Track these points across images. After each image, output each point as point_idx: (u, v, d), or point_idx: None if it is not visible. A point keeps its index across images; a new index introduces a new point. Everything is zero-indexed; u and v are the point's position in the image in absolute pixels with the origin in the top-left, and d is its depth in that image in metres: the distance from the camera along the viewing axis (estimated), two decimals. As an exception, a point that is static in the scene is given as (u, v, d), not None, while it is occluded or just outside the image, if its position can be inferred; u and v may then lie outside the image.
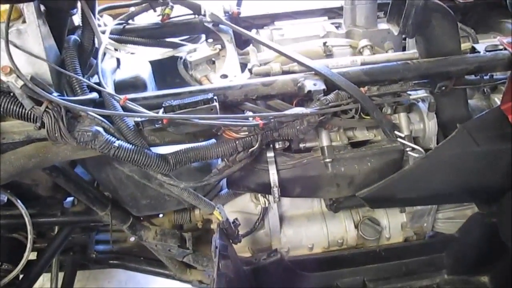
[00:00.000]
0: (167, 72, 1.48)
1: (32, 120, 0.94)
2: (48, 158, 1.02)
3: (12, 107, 0.93)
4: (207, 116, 0.97)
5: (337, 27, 1.36)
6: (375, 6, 1.33)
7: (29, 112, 0.93)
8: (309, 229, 1.42)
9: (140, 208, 1.34)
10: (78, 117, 0.99)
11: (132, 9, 1.36)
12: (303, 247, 1.43)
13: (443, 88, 1.18)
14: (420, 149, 1.16)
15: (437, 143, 1.23)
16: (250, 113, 1.06)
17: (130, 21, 1.36)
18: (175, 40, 1.38)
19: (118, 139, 0.99)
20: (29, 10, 0.95)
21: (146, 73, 1.34)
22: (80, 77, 1.01)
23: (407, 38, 1.35)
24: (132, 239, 1.78)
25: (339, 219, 1.43)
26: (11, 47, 0.93)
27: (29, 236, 1.21)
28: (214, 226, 1.44)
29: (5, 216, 1.36)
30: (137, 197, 1.30)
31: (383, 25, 1.34)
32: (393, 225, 1.44)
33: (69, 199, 1.42)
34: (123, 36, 1.32)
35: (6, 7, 0.93)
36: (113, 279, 2.22)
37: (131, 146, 1.00)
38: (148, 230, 1.45)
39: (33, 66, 0.98)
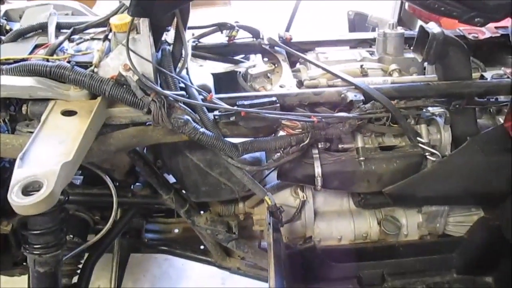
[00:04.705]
0: (223, 84, 1.75)
1: (140, 107, 1.22)
2: (145, 139, 1.28)
3: (126, 95, 1.20)
4: (275, 112, 1.24)
5: (371, 54, 1.65)
6: (403, 38, 1.63)
7: (139, 100, 1.20)
8: (339, 223, 1.65)
9: (199, 194, 1.58)
10: (172, 108, 1.26)
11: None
12: (333, 238, 1.66)
13: (457, 106, 1.45)
14: (438, 153, 1.42)
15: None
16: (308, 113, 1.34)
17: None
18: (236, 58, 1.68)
19: (201, 127, 1.26)
20: (143, 24, 1.23)
21: (210, 82, 1.62)
22: (176, 76, 1.29)
23: (427, 66, 1.63)
24: (176, 230, 2.03)
25: (364, 216, 1.66)
26: (128, 51, 1.23)
27: (114, 210, 1.45)
28: (255, 227, 1.69)
29: (84, 194, 1.63)
30: (199, 184, 1.55)
31: (408, 54, 1.63)
32: (411, 224, 1.66)
33: (138, 184, 1.68)
34: (195, 51, 1.61)
35: (127, 20, 1.22)
36: (147, 273, 2.43)
37: (211, 133, 1.27)
38: (200, 216, 1.69)
39: (141, 67, 1.26)
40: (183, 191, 1.65)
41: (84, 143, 1.10)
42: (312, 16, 4.02)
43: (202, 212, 1.69)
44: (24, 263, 1.71)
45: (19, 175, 0.96)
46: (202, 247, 1.88)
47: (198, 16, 1.61)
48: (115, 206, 1.45)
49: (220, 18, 1.67)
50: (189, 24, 1.63)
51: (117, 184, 1.63)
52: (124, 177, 1.62)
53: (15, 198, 0.91)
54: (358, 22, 2.18)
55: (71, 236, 1.64)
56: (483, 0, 0.95)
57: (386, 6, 3.09)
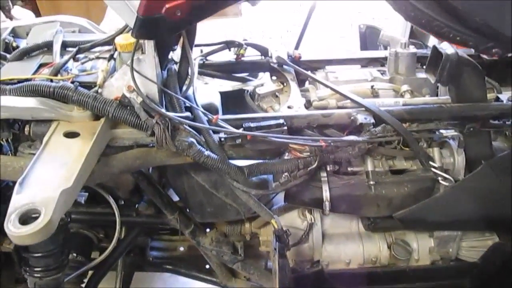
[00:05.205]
0: (230, 102, 1.72)
1: (143, 129, 1.19)
2: (148, 161, 1.26)
3: (129, 117, 1.18)
4: (282, 136, 1.21)
5: (382, 74, 1.61)
6: (415, 58, 1.59)
7: (143, 122, 1.18)
8: (347, 246, 1.61)
9: (204, 214, 1.55)
10: (177, 130, 1.23)
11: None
12: (341, 262, 1.61)
13: (471, 129, 1.40)
14: (451, 178, 1.37)
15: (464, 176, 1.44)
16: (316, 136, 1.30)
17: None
18: (243, 75, 1.65)
19: (206, 150, 1.23)
20: (149, 44, 1.21)
21: (217, 101, 1.59)
22: (181, 97, 1.26)
23: (440, 86, 1.59)
24: (181, 249, 2.00)
25: (374, 240, 1.61)
26: (132, 71, 1.20)
27: (117, 230, 1.42)
28: (261, 248, 1.64)
29: (88, 213, 1.61)
30: (204, 204, 1.51)
31: (421, 74, 1.59)
32: (422, 248, 1.61)
33: (142, 203, 1.65)
34: (202, 69, 1.59)
35: (132, 40, 1.20)
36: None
37: (217, 156, 1.23)
38: (205, 237, 1.65)
39: (145, 88, 1.23)
40: (188, 210, 1.62)
41: (86, 166, 1.08)
42: (322, 27, 4.00)
43: (208, 230, 1.66)
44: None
45: (17, 202, 0.94)
46: (207, 266, 1.84)
47: (209, 27, 1.58)
48: (118, 227, 1.42)
49: (231, 29, 1.64)
50: (199, 38, 1.61)
51: (122, 202, 1.61)
52: (129, 196, 1.59)
53: (11, 227, 0.88)
54: (369, 35, 2.14)
55: (74, 254, 1.61)
56: (501, 30, 0.91)
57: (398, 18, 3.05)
